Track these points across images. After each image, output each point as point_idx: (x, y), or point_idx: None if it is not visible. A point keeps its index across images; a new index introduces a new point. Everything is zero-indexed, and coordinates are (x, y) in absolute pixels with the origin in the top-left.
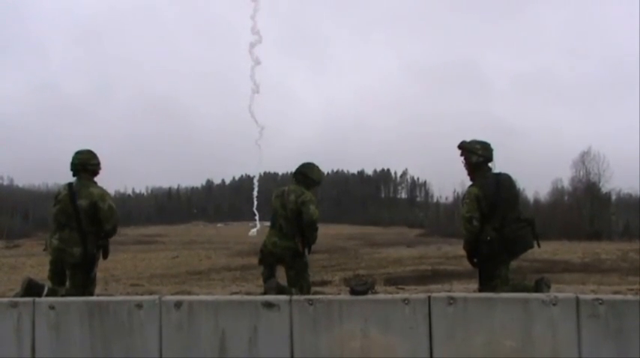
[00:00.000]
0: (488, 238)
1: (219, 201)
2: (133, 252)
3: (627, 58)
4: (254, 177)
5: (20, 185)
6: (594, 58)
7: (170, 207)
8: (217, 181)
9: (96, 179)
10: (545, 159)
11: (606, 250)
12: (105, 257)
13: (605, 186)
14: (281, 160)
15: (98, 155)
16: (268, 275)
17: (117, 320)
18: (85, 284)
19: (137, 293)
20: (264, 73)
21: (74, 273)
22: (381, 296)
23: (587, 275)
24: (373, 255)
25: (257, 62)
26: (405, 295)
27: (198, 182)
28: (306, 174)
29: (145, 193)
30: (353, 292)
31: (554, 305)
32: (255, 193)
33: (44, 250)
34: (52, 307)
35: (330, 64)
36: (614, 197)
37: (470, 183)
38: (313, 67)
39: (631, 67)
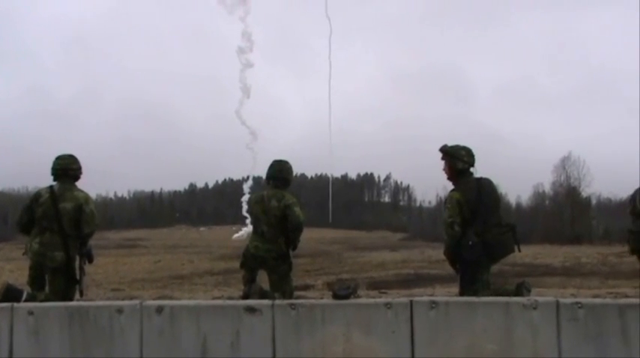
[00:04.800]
0: (470, 243)
1: (203, 205)
2: (115, 256)
3: (604, 65)
4: (244, 180)
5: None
6: (573, 66)
7: (153, 210)
8: (201, 185)
9: (77, 183)
10: (526, 164)
11: (586, 254)
12: (90, 261)
13: (586, 191)
14: (264, 164)
15: (80, 159)
16: (249, 280)
17: (97, 326)
18: (65, 290)
19: (118, 298)
20: (249, 77)
21: (54, 278)
22: (363, 300)
23: (568, 278)
24: (356, 259)
25: (249, 65)
26: (388, 299)
27: (181, 186)
28: (286, 178)
29: (127, 197)
30: (336, 296)
31: (534, 308)
32: (246, 197)
33: (24, 254)
34: (30, 312)
35: (314, 69)
36: (594, 201)
37: (452, 187)
38: (297, 72)
39: (609, 74)
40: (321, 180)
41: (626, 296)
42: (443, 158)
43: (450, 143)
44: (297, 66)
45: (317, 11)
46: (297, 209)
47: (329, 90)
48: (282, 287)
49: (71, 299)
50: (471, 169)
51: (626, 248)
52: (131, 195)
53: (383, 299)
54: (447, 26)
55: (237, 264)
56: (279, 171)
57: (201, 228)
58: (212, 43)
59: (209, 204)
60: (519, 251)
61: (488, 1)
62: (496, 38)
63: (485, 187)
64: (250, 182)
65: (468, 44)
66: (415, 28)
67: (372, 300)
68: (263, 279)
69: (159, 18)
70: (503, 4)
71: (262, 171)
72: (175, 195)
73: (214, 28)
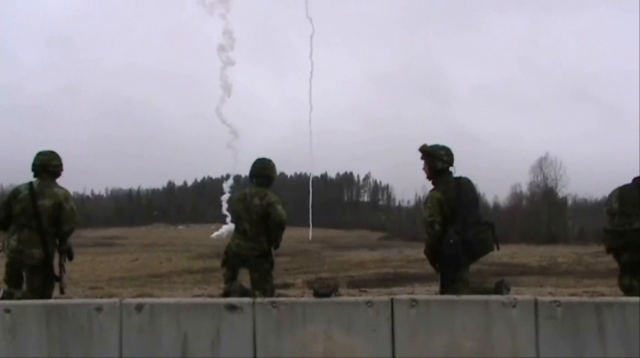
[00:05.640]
0: (451, 241)
1: (181, 204)
2: (92, 254)
3: (580, 67)
4: (224, 179)
5: None
6: (550, 68)
7: (130, 208)
8: (179, 183)
9: (57, 180)
10: (504, 164)
11: (563, 254)
12: (70, 258)
13: (562, 191)
14: (244, 163)
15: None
16: (230, 278)
17: (76, 324)
18: (43, 287)
19: (96, 297)
20: (229, 75)
21: (32, 275)
22: (344, 298)
23: (545, 278)
24: (336, 257)
25: (230, 63)
26: (368, 297)
27: (160, 184)
28: (270, 176)
29: (105, 195)
30: (316, 295)
31: (513, 307)
32: (226, 196)
33: (0, 251)
34: (7, 310)
35: (295, 68)
36: (570, 202)
37: (431, 186)
38: (278, 71)
39: (584, 77)
40: (301, 179)
41: (602, 295)
42: (422, 158)
43: (430, 143)
44: (279, 65)
45: (299, 10)
46: (279, 207)
47: (310, 89)
48: (263, 285)
49: (49, 297)
50: (450, 169)
51: (601, 247)
52: (109, 193)
53: (364, 298)
54: (428, 27)
55: (216, 263)
56: (262, 169)
57: (180, 227)
58: (192, 41)
59: (187, 203)
60: (498, 249)
61: (468, 3)
62: (475, 40)
63: (465, 186)
64: (231, 181)
65: (447, 45)
66: (396, 28)
67: (352, 298)
68: (244, 278)
69: (138, 15)
70: (481, 6)
71: (242, 170)
72: (154, 193)
73: (195, 25)
